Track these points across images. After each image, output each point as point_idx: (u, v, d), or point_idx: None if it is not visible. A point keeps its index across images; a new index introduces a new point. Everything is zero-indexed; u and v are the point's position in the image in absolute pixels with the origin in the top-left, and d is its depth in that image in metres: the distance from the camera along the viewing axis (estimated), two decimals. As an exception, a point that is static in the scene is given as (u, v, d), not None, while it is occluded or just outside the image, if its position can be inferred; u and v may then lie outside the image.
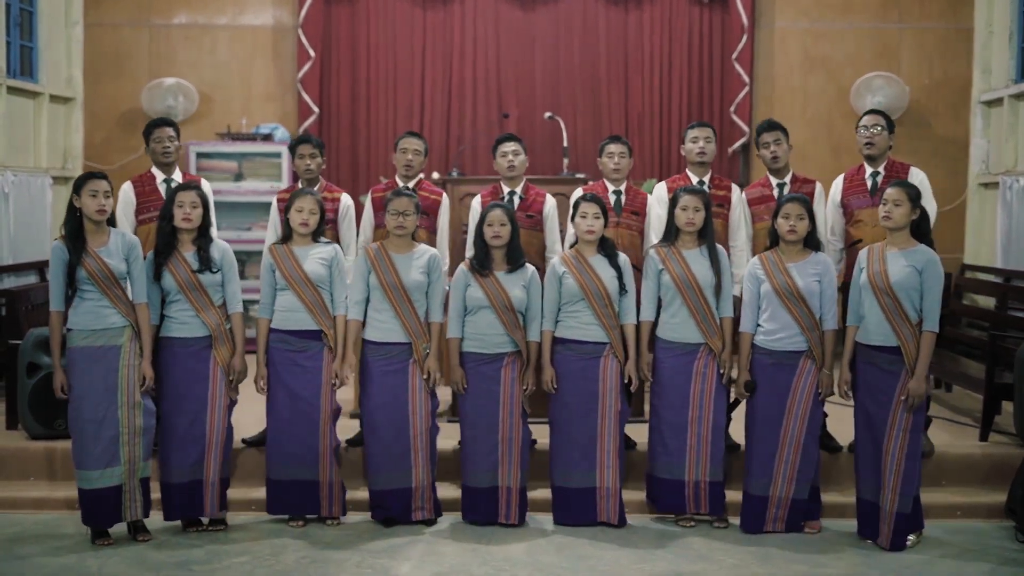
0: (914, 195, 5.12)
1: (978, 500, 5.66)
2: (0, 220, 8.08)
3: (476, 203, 6.04)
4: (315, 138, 6.10)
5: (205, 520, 5.32)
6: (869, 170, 5.84)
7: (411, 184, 6.01)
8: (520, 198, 6.01)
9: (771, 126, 5.92)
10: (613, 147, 6.01)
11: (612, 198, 5.93)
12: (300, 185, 5.99)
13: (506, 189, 6.04)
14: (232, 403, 5.34)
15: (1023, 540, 5.26)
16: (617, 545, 5.16)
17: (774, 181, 5.91)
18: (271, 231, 5.99)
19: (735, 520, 5.44)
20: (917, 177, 5.77)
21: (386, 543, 5.17)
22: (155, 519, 5.28)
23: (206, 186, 5.84)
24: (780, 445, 5.25)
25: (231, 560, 4.94)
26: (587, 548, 5.13)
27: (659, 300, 5.45)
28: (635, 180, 8.60)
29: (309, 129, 9.59)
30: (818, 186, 5.92)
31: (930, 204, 5.69)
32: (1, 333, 7.20)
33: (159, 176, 5.96)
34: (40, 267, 8.42)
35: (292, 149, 6.04)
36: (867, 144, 5.82)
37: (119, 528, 5.19)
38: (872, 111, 6.01)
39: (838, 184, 5.96)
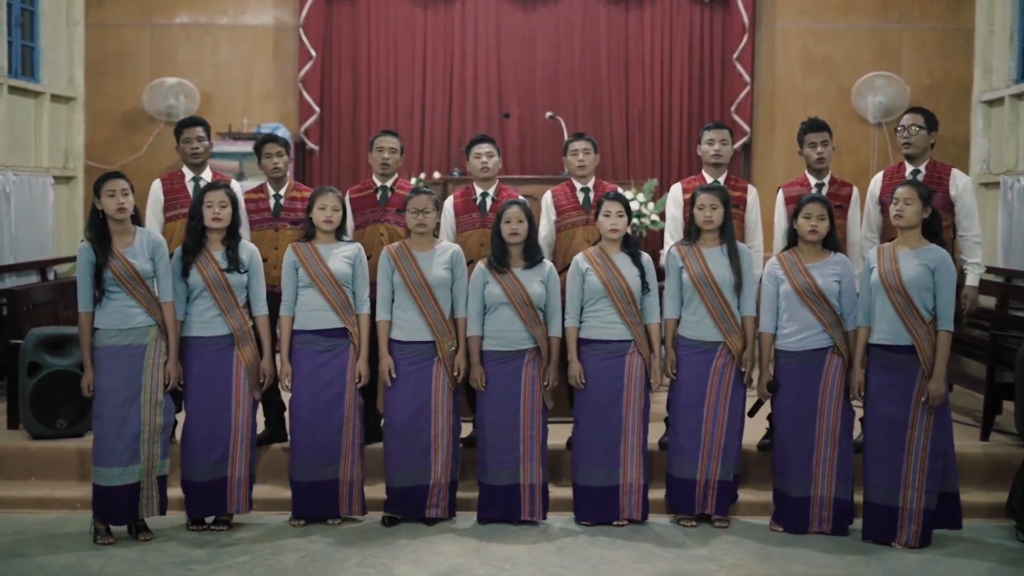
0: (925, 194, 5.11)
1: (979, 500, 5.65)
2: (1, 220, 8.09)
3: (448, 204, 6.02)
4: (281, 138, 6.05)
5: (209, 519, 5.33)
6: (909, 168, 5.81)
7: (388, 183, 5.97)
8: (492, 199, 5.97)
9: (819, 126, 5.85)
10: (578, 144, 5.99)
11: (580, 196, 5.93)
12: (268, 185, 5.97)
13: (479, 190, 6.00)
14: (256, 402, 5.35)
15: (1024, 540, 5.28)
16: (618, 544, 5.16)
17: (813, 181, 5.88)
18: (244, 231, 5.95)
19: (739, 519, 5.46)
20: (961, 180, 5.76)
21: (387, 543, 5.18)
22: (156, 518, 5.28)
23: (236, 186, 5.85)
24: (816, 444, 5.24)
25: (232, 560, 4.94)
26: (587, 548, 5.13)
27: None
28: (636, 180, 8.64)
29: (310, 129, 9.61)
30: (854, 190, 5.90)
31: (970, 203, 5.72)
32: (2, 333, 7.21)
33: (188, 175, 5.97)
34: (41, 267, 8.44)
35: (257, 149, 5.97)
36: (905, 144, 5.79)
37: (120, 527, 5.19)
38: (912, 109, 5.95)
39: (877, 180, 5.94)
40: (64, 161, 9.29)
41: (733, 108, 9.64)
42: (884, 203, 5.80)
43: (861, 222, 5.92)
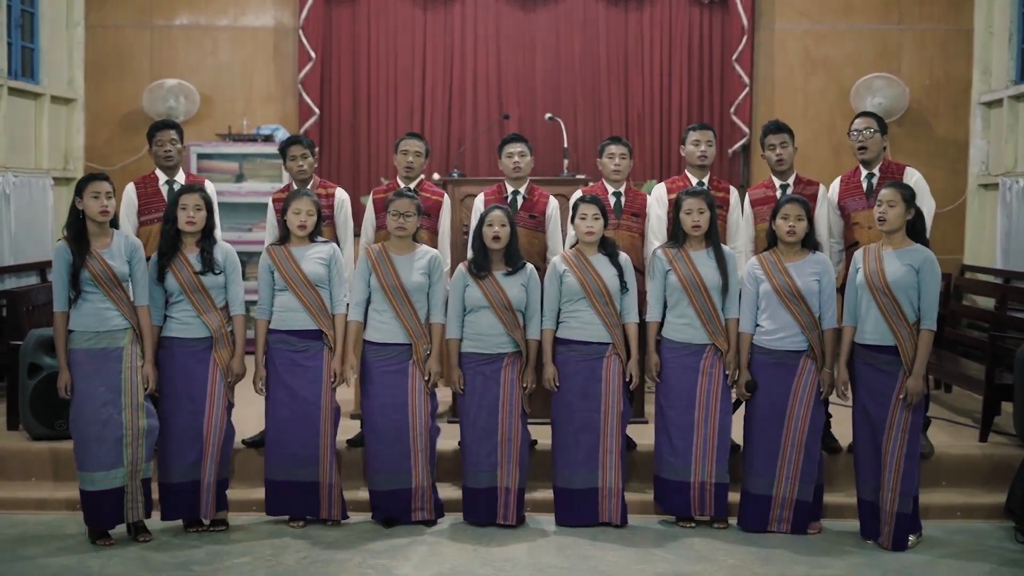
0: (908, 195, 5.13)
1: (978, 501, 5.67)
2: (1, 221, 8.10)
3: (479, 202, 6.04)
4: (305, 139, 6.09)
5: (206, 521, 5.33)
6: (864, 172, 5.84)
7: (412, 185, 6.01)
8: (524, 198, 6.01)
9: (778, 128, 5.90)
10: (614, 148, 6.01)
11: (612, 199, 5.93)
12: (293, 186, 5.99)
13: (510, 189, 6.05)
14: (230, 405, 5.34)
15: (1023, 540, 5.27)
16: (618, 546, 5.17)
17: (777, 182, 5.91)
18: (269, 233, 5.99)
19: (735, 521, 5.45)
20: (912, 177, 5.77)
21: (387, 543, 5.18)
22: (155, 519, 5.29)
23: (210, 187, 5.86)
24: (783, 445, 5.26)
25: (232, 561, 4.95)
26: (588, 548, 5.14)
27: (665, 300, 5.46)
28: (635, 181, 8.61)
29: (310, 130, 9.60)
30: (821, 188, 5.92)
31: (927, 202, 5.69)
32: (2, 334, 7.21)
33: (162, 178, 5.96)
34: (41, 268, 8.44)
35: (282, 151, 6.01)
36: (860, 148, 5.81)
37: (120, 528, 5.20)
38: (863, 113, 5.99)
39: (835, 186, 5.97)
40: (64, 162, 9.30)
41: (732, 110, 9.64)
42: (844, 208, 5.86)
43: (827, 219, 5.92)
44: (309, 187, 5.92)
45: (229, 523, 5.38)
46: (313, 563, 4.93)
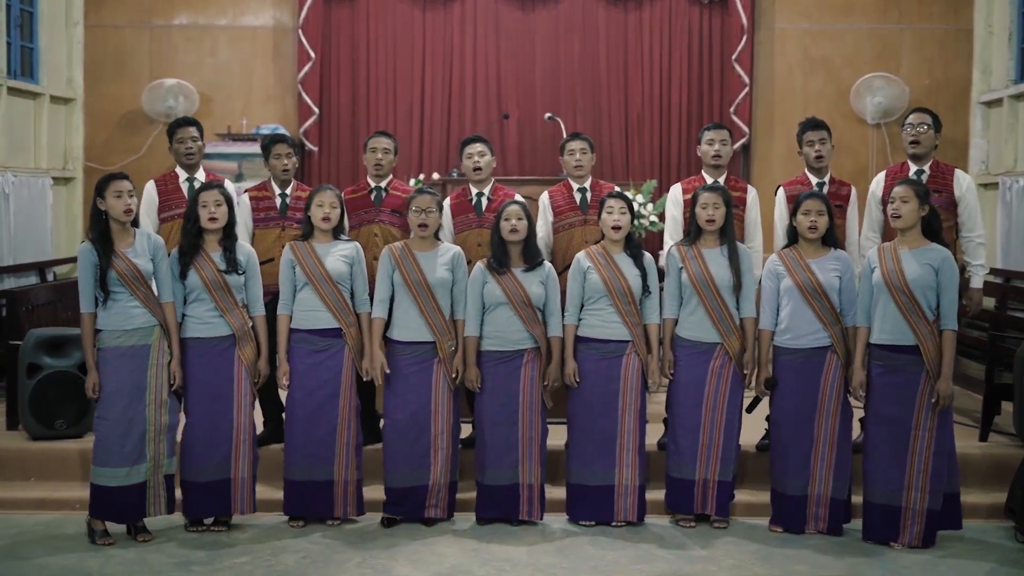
0: (921, 192, 5.11)
1: (978, 500, 5.65)
2: (0, 221, 8.09)
3: (446, 205, 6.01)
4: (290, 138, 6.05)
5: (208, 520, 5.33)
6: (913, 168, 5.81)
7: (383, 184, 5.97)
8: (488, 199, 5.97)
9: (817, 125, 5.87)
10: (574, 144, 5.99)
11: (577, 196, 5.93)
12: (272, 184, 5.96)
13: (474, 191, 6.01)
14: (255, 400, 5.36)
15: (1023, 540, 5.27)
16: (617, 545, 5.17)
17: (813, 180, 5.89)
18: (242, 231, 5.84)
19: (739, 520, 5.46)
20: (965, 180, 5.78)
21: (386, 543, 5.18)
22: (154, 519, 5.28)
23: (230, 186, 5.84)
24: (815, 443, 5.24)
25: (231, 560, 4.94)
26: (587, 548, 5.13)
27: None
28: (635, 181, 8.64)
29: (309, 130, 9.60)
30: (853, 190, 5.91)
31: (974, 203, 5.71)
32: (2, 334, 7.21)
33: (182, 175, 5.98)
34: (41, 268, 8.44)
35: (266, 148, 5.95)
36: (912, 142, 5.79)
37: (119, 528, 5.20)
38: (919, 109, 5.96)
39: (879, 180, 5.94)
40: (63, 162, 9.30)
41: (732, 109, 9.64)
42: (887, 202, 5.81)
43: (860, 222, 5.92)
44: (290, 188, 5.91)
45: (229, 523, 5.37)
46: (312, 563, 4.93)
